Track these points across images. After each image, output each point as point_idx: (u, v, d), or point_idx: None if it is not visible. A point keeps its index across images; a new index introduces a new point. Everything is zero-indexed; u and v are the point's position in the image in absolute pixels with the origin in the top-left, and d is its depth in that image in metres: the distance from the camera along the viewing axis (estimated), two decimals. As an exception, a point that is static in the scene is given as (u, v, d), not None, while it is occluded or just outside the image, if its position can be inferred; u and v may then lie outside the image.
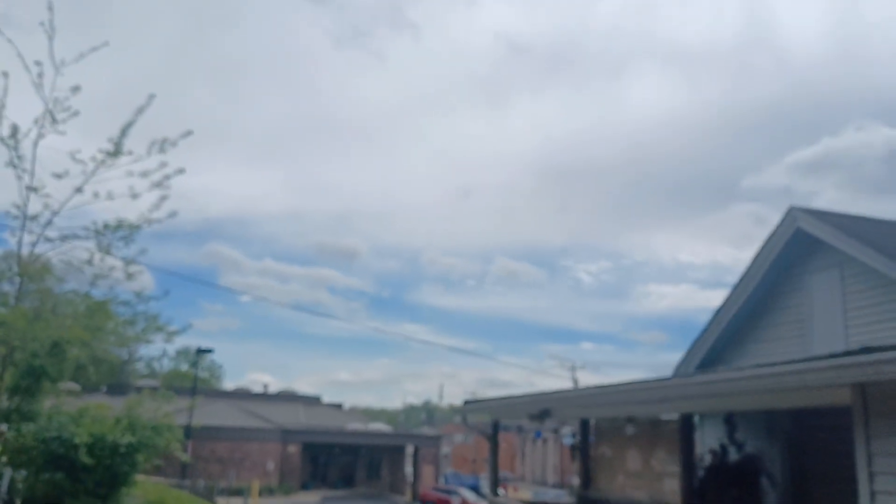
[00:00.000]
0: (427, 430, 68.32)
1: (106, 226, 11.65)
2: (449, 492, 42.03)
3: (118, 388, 44.60)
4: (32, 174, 11.31)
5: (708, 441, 13.86)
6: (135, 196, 11.60)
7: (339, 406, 62.25)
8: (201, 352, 43.32)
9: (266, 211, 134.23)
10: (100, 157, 11.46)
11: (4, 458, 10.90)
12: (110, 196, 11.57)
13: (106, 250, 11.73)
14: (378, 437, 50.49)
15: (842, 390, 7.68)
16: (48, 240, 11.54)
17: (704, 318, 15.17)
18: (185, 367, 69.75)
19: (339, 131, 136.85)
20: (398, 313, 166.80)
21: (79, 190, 11.42)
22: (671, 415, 11.52)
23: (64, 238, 11.56)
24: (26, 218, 11.38)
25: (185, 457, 14.37)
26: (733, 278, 14.63)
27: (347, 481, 50.85)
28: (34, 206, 11.40)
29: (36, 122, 11.21)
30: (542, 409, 12.68)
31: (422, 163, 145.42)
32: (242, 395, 57.09)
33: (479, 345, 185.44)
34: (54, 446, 10.61)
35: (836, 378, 7.35)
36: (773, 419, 12.63)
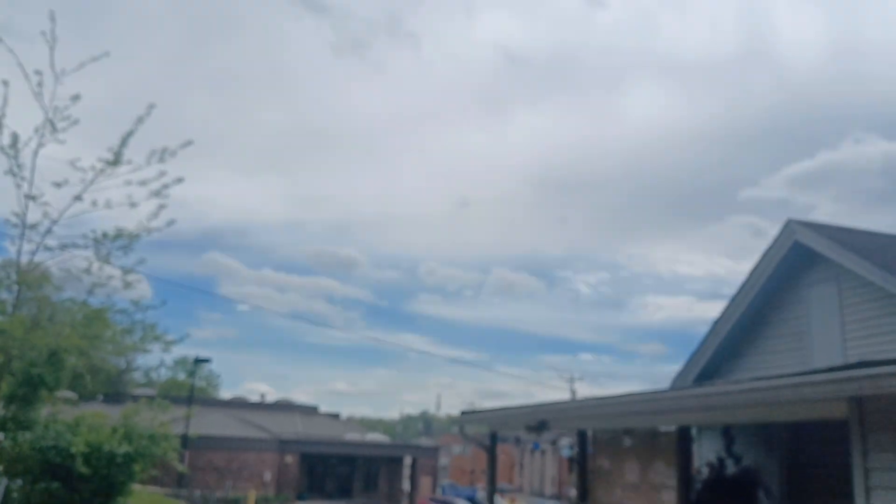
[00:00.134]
0: (425, 441, 68.16)
1: (105, 235, 11.68)
2: (446, 503, 41.89)
3: (115, 397, 44.46)
4: (32, 183, 11.35)
5: (706, 454, 13.84)
6: (133, 205, 11.63)
7: (336, 416, 62.07)
8: (199, 361, 43.26)
9: (265, 220, 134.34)
10: (99, 166, 11.50)
11: (0, 468, 10.87)
12: (109, 205, 11.60)
13: (105, 259, 11.75)
14: (375, 447, 50.35)
15: (839, 404, 7.69)
16: (47, 248, 11.57)
17: (703, 330, 15.19)
18: (182, 376, 69.57)
19: (338, 141, 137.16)
20: (396, 323, 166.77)
21: (78, 198, 11.45)
22: (669, 427, 11.51)
23: (63, 247, 11.58)
24: (25, 226, 11.40)
25: (181, 467, 14.34)
26: (731, 290, 14.67)
27: (344, 492, 50.63)
28: (33, 214, 11.44)
29: (36, 130, 11.26)
30: (539, 420, 12.66)
31: (420, 173, 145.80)
32: (240, 404, 56.90)
33: (478, 355, 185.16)
34: (51, 455, 10.59)
35: (834, 392, 7.35)
36: (771, 432, 12.61)
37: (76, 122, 11.39)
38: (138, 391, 47.49)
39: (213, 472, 41.87)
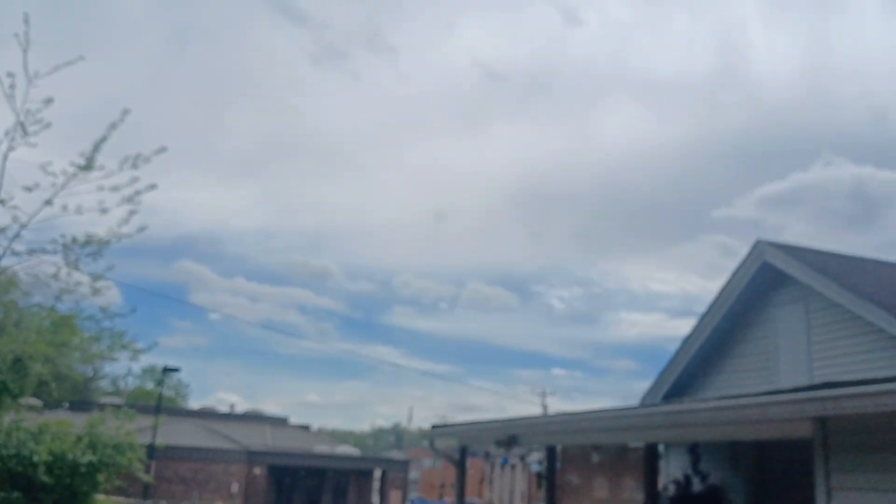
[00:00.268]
0: (395, 455, 67.77)
1: (74, 240, 11.53)
2: (415, 517, 41.65)
3: (81, 405, 43.73)
4: (1, 186, 11.18)
5: (673, 471, 13.93)
6: (104, 211, 11.50)
7: (306, 428, 61.56)
8: (168, 370, 42.71)
9: (239, 229, 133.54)
10: (71, 170, 11.37)
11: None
12: (80, 210, 11.46)
13: (74, 265, 11.60)
14: (345, 460, 49.98)
15: (803, 424, 7.78)
16: (15, 253, 11.39)
17: (673, 347, 15.32)
18: (150, 385, 68.64)
19: (315, 151, 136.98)
20: (369, 335, 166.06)
21: (48, 203, 11.29)
22: (637, 444, 11.58)
23: (31, 251, 11.42)
24: (-7, 231, 11.23)
25: (147, 477, 14.15)
26: (702, 308, 14.80)
27: (313, 505, 50.14)
28: (2, 218, 11.26)
29: (7, 133, 11.10)
30: (509, 435, 12.68)
31: (397, 185, 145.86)
32: (208, 414, 56.23)
33: (451, 368, 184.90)
34: (12, 464, 10.41)
35: (798, 412, 7.43)
36: (737, 450, 12.74)
37: (48, 125, 11.26)
38: (105, 400, 46.73)
39: (180, 483, 41.29)
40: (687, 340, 14.78)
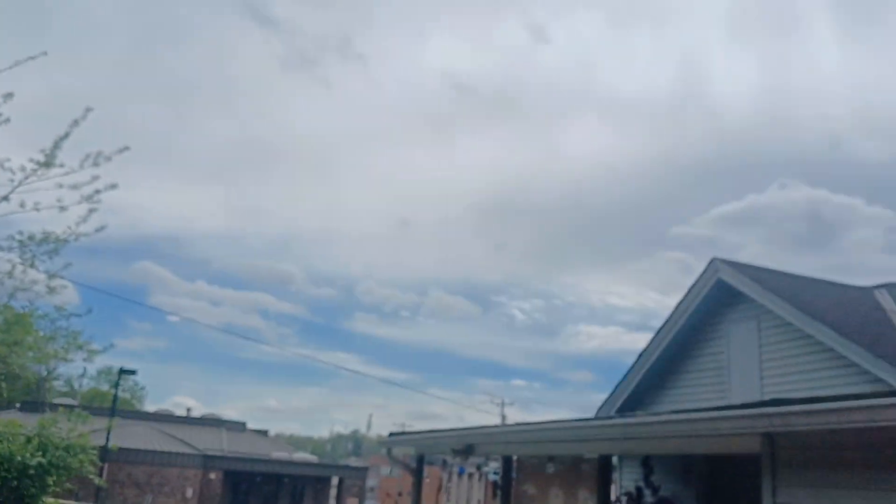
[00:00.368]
0: (353, 462, 67.38)
1: (31, 237, 11.35)
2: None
3: (33, 405, 42.80)
4: (-44, 181, 10.97)
5: (626, 482, 14.13)
6: (63, 209, 11.34)
7: (264, 433, 60.85)
8: (124, 372, 41.92)
9: (202, 231, 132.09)
10: (30, 167, 11.20)
11: None
12: (37, 207, 11.29)
13: (30, 263, 11.41)
14: (302, 466, 49.54)
15: (752, 439, 7.93)
16: (-31, 249, 11.17)
17: (630, 360, 15.58)
18: (106, 387, 67.33)
19: (282, 156, 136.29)
20: (331, 341, 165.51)
21: (5, 199, 11.11)
22: (592, 455, 11.72)
23: (-15, 248, 11.20)
24: (-53, 226, 11.01)
25: (99, 480, 13.92)
26: (659, 323, 15.08)
27: (269, 511, 49.58)
28: (-44, 213, 11.04)
29: (-37, 128, 10.91)
30: (466, 444, 12.75)
31: (363, 192, 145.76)
32: (164, 417, 55.28)
33: (411, 376, 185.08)
34: (-43, 465, 10.17)
35: (747, 427, 7.61)
36: (689, 464, 12.96)
37: (7, 120, 11.09)
38: (59, 401, 45.76)
39: (133, 487, 40.56)
40: (642, 354, 15.01)
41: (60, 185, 11.32)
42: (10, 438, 11.01)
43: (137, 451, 39.96)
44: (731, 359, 13.44)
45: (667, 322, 14.59)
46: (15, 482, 10.40)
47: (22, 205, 11.21)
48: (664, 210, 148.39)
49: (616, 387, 15.49)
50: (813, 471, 7.40)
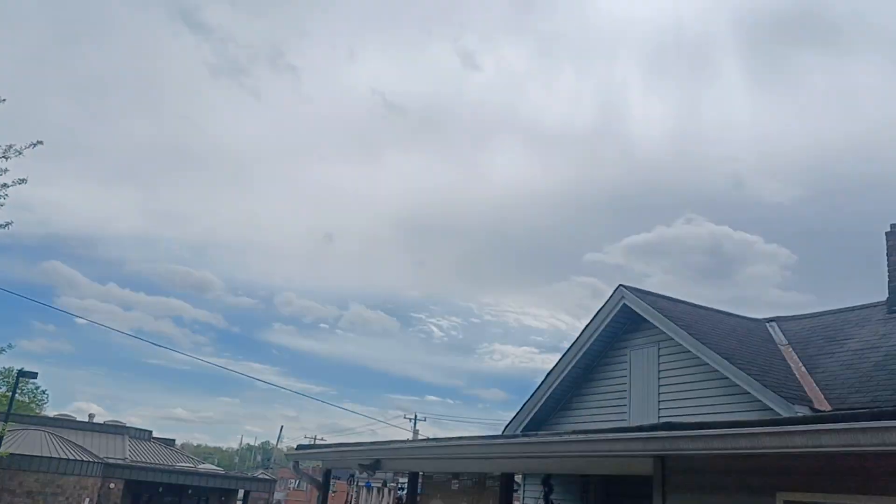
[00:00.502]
0: (262, 474, 65.95)
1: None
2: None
3: (-82, 406, 40.30)
4: None
5: (528, 500, 14.42)
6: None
7: (171, 442, 59.02)
8: (23, 374, 40.04)
9: (117, 233, 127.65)
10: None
11: None
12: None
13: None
14: (208, 477, 48.23)
15: (645, 461, 8.25)
16: None
17: (540, 380, 15.91)
18: (3, 388, 63.94)
19: (206, 161, 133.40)
20: (246, 351, 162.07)
21: None
22: (496, 472, 11.94)
23: None
24: None
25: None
26: (568, 344, 15.50)
27: (170, 523, 48.02)
28: None
29: None
30: (373, 459, 12.79)
31: (287, 204, 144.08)
32: (64, 423, 52.90)
33: (326, 389, 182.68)
34: None
35: (640, 449, 7.88)
36: (587, 483, 13.35)
37: None
38: (-53, 402, 43.27)
39: (25, 496, 38.61)
40: (549, 375, 15.40)
41: (-36, 179, 10.91)
42: None
43: (31, 457, 38.11)
44: (633, 382, 13.95)
45: (574, 344, 15.02)
46: None
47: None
48: (579, 236, 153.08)
49: (523, 406, 15.82)
50: (701, 493, 7.75)
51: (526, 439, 9.83)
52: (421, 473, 13.21)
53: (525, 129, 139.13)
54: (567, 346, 15.35)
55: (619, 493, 12.85)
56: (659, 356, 13.47)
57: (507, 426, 15.98)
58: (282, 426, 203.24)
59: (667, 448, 7.45)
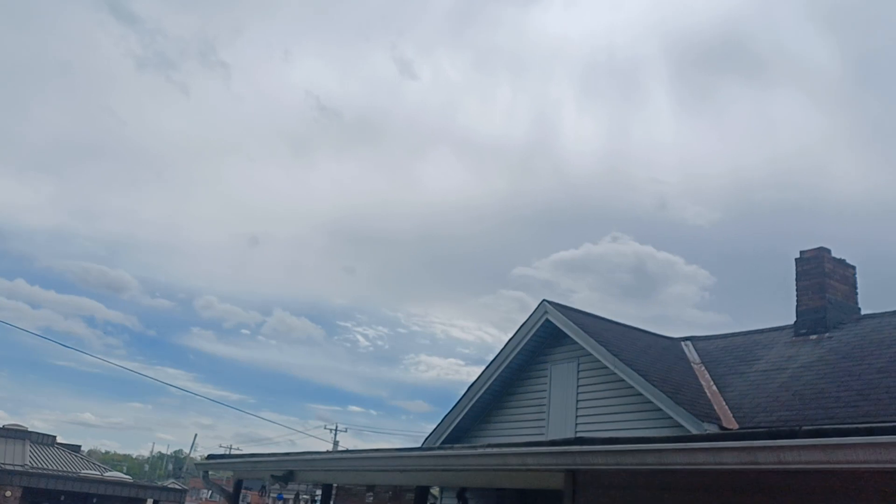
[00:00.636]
0: (172, 484, 63.88)
1: None
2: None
3: None
4: None
5: (443, 513, 14.35)
6: None
7: (76, 448, 56.58)
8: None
9: (28, 227, 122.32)
10: None
11: None
12: None
13: None
14: (114, 486, 46.35)
15: (557, 475, 8.30)
16: None
17: (462, 392, 15.88)
18: None
19: (128, 157, 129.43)
20: (161, 356, 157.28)
21: None
22: (412, 485, 11.84)
23: None
24: None
25: None
26: (492, 357, 15.53)
27: (72, 533, 45.95)
28: None
29: None
30: (286, 470, 12.49)
31: (212, 204, 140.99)
32: (-41, 426, 50.21)
33: (245, 397, 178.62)
34: None
35: (552, 464, 7.95)
36: (502, 497, 13.36)
37: None
38: None
39: (-89, 503, 36.36)
40: (471, 388, 15.40)
41: None
42: None
43: (-80, 462, 35.94)
44: (552, 397, 14.08)
45: (496, 357, 15.07)
46: None
47: None
48: (509, 250, 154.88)
49: (443, 418, 15.77)
50: (611, 508, 7.84)
51: (441, 452, 9.77)
52: (335, 485, 13.00)
53: (460, 140, 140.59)
54: (491, 358, 15.42)
55: (533, 507, 12.91)
56: (578, 372, 13.64)
57: (426, 438, 15.89)
58: (195, 434, 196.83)
59: (578, 463, 7.53)
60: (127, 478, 51.78)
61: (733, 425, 11.21)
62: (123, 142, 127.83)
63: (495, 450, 8.65)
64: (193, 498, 72.08)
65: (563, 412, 13.69)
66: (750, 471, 5.89)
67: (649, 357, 13.49)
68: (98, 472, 48.17)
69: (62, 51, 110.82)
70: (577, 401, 13.44)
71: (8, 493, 40.67)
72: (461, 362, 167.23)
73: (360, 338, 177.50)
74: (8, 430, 53.74)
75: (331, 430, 61.54)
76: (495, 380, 15.08)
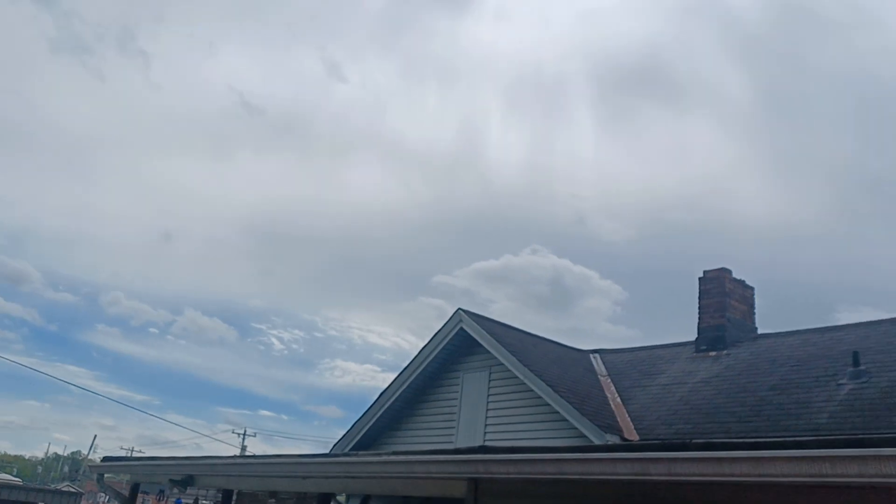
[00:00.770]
0: (67, 487, 61.12)
1: None
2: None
3: None
4: None
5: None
6: None
7: (-37, 448, 53.50)
8: None
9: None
10: None
11: None
12: None
13: None
14: (3, 489, 44.09)
15: (460, 484, 8.34)
16: None
17: (374, 399, 15.77)
18: None
19: (35, 142, 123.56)
20: (62, 352, 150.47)
21: None
22: (315, 492, 11.64)
23: None
24: None
25: None
26: (405, 364, 15.48)
27: (-46, 539, 43.31)
28: None
29: None
30: (185, 474, 12.10)
31: (124, 196, 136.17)
32: None
33: (149, 399, 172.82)
34: None
35: (455, 472, 7.96)
36: (408, 505, 13.32)
37: None
38: None
39: None
40: (383, 394, 15.31)
41: None
42: None
43: None
44: (463, 405, 14.14)
45: (410, 364, 15.04)
46: None
47: None
48: (430, 257, 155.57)
49: (353, 425, 15.62)
50: (513, 517, 7.88)
51: (346, 459, 9.66)
52: (236, 491, 12.68)
53: (386, 145, 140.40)
54: (405, 365, 15.38)
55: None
56: (490, 380, 13.75)
57: (335, 444, 15.71)
58: (95, 435, 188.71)
59: (480, 471, 7.57)
60: (16, 480, 49.30)
61: (634, 437, 11.50)
62: (32, 126, 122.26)
63: (400, 457, 8.62)
64: (90, 501, 69.12)
65: (473, 420, 13.76)
66: (643, 482, 6.02)
67: (558, 368, 13.72)
68: (-14, 474, 45.62)
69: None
70: (488, 409, 13.54)
71: None
72: (377, 368, 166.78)
73: (274, 341, 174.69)
74: None
75: (239, 434, 60.21)
76: (408, 387, 15.04)
